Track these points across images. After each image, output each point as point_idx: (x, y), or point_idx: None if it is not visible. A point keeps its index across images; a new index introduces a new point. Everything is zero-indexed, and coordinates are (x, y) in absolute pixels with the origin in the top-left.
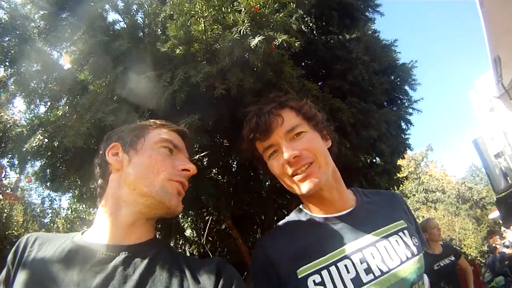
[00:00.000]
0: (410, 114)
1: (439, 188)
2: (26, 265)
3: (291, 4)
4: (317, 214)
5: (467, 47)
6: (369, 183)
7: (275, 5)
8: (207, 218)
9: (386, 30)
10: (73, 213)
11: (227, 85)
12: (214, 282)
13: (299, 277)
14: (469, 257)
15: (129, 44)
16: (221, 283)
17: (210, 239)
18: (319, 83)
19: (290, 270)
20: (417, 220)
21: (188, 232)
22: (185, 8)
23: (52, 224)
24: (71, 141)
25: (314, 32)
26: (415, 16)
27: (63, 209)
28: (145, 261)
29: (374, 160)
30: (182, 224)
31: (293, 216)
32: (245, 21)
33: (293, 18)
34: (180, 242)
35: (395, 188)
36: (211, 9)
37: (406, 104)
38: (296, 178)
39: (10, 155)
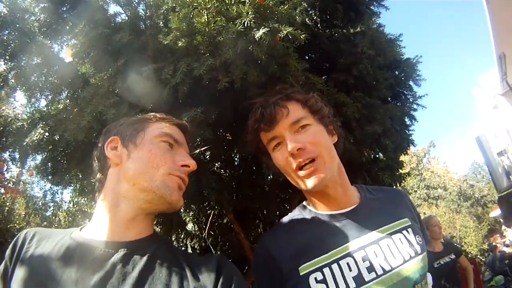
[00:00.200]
0: (415, 110)
1: (440, 185)
2: (24, 262)
3: None
4: (321, 210)
5: (471, 43)
6: (372, 178)
7: None
8: (209, 212)
9: (390, 24)
10: (75, 206)
11: (230, 78)
12: (214, 280)
13: (300, 274)
14: (469, 255)
15: (130, 37)
16: (221, 280)
17: (212, 233)
18: (323, 77)
19: (292, 267)
20: None
21: (189, 226)
22: (187, 0)
23: (54, 217)
24: (71, 134)
25: (319, 25)
26: (419, 11)
27: (65, 202)
28: (144, 258)
29: (377, 156)
30: (184, 218)
31: (296, 213)
32: (249, 13)
33: (297, 11)
34: (182, 236)
35: (397, 184)
36: (214, 1)
37: (411, 100)
38: (301, 173)
39: (11, 149)
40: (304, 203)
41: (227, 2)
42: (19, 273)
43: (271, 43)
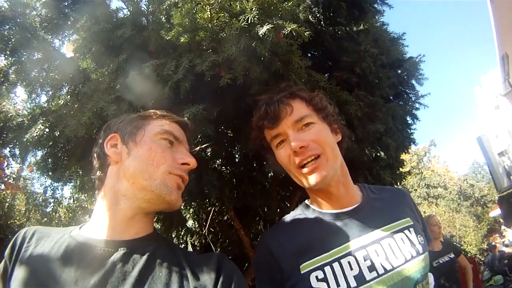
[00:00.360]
0: (417, 109)
1: (441, 184)
2: (24, 261)
3: None
4: (323, 209)
5: (474, 43)
6: (374, 177)
7: None
8: (209, 209)
9: (394, 23)
10: (75, 202)
11: (233, 74)
12: (214, 279)
13: (301, 272)
14: (469, 254)
15: (132, 32)
16: (221, 280)
17: (212, 230)
18: (326, 75)
19: (293, 265)
20: None
21: (190, 223)
22: None
23: (54, 214)
24: (72, 130)
25: (322, 23)
26: (423, 10)
27: (65, 198)
28: (144, 257)
29: (379, 154)
30: (184, 215)
31: (298, 211)
32: (253, 9)
33: (301, 8)
34: (182, 233)
35: (398, 182)
36: None
37: (413, 99)
38: (304, 170)
39: (12, 145)
40: (306, 201)
41: None
42: (19, 273)
43: (274, 40)
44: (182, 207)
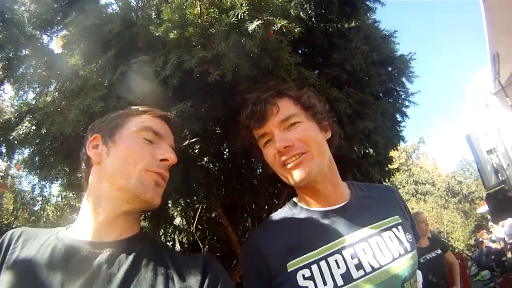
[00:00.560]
0: (407, 106)
1: (429, 180)
2: (10, 263)
3: None
4: (311, 207)
5: (464, 41)
6: (362, 174)
7: None
8: (197, 206)
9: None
10: (63, 200)
11: (221, 71)
12: (200, 280)
13: (288, 270)
14: (456, 250)
15: (121, 28)
16: (207, 281)
17: (200, 227)
18: (316, 72)
19: (280, 264)
20: None
21: (177, 221)
22: None
23: (42, 212)
24: (58, 128)
25: (313, 19)
26: (414, 7)
27: (53, 196)
28: (130, 259)
29: (367, 151)
30: (172, 212)
31: (286, 209)
32: (243, 5)
33: (292, 4)
34: (170, 231)
35: (386, 179)
36: None
37: (403, 96)
38: (287, 166)
39: None
40: (294, 199)
41: None
42: (5, 275)
43: (264, 36)
44: (170, 204)
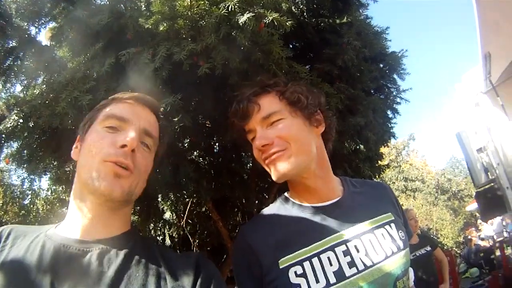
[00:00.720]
0: (398, 103)
1: (418, 177)
2: None
3: None
4: (303, 202)
5: (456, 40)
6: (353, 170)
7: None
8: (187, 200)
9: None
10: (53, 194)
11: (211, 64)
12: (192, 279)
13: (280, 267)
14: (445, 247)
15: (109, 19)
16: (199, 281)
17: (190, 222)
18: (307, 67)
19: (272, 260)
20: None
21: (167, 215)
22: None
23: (31, 206)
24: (46, 121)
25: (305, 14)
26: (407, 5)
27: (43, 190)
28: (120, 257)
29: (358, 147)
30: (162, 206)
31: (277, 204)
32: None
33: None
34: (160, 225)
35: (377, 175)
36: None
37: (394, 93)
38: (266, 162)
39: None
40: (286, 194)
41: None
42: None
43: (255, 29)
44: (159, 199)
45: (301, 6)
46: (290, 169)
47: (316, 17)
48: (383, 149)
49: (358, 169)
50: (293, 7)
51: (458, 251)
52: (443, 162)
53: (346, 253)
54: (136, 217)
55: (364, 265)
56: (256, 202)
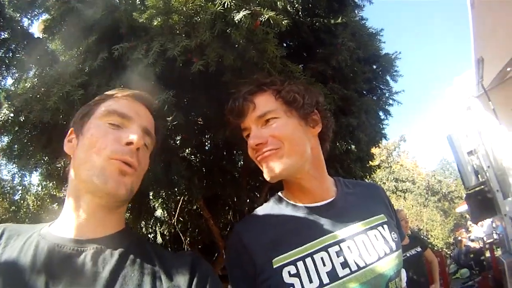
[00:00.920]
0: (390, 105)
1: (409, 178)
2: None
3: None
4: (297, 202)
5: (449, 43)
6: (344, 170)
7: None
8: (178, 198)
9: (372, 18)
10: (44, 189)
11: (205, 61)
12: (188, 279)
13: (274, 267)
14: (436, 248)
15: (103, 13)
16: (195, 281)
17: (181, 219)
18: (301, 66)
19: (266, 259)
20: None
21: (158, 213)
22: None
23: (22, 201)
24: (37, 116)
25: (300, 13)
26: (403, 7)
27: (33, 185)
28: (115, 257)
29: (350, 148)
30: (153, 204)
31: (271, 203)
32: None
33: None
34: (151, 223)
35: (368, 176)
36: None
37: (387, 95)
38: (258, 159)
39: None
40: (280, 193)
41: None
42: None
43: (250, 27)
44: (151, 196)
45: (296, 5)
46: (282, 170)
47: (311, 16)
48: (374, 150)
49: (349, 169)
50: (288, 6)
51: (448, 252)
52: (433, 163)
53: (339, 253)
54: (127, 214)
55: (357, 266)
56: (248, 200)
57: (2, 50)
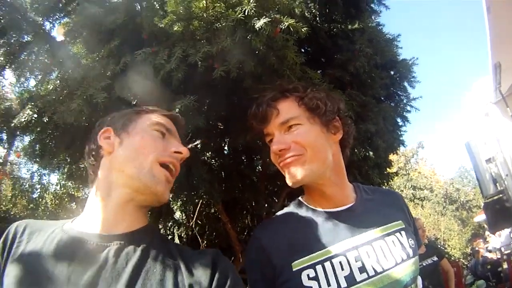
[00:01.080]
0: (408, 111)
1: (427, 186)
2: (16, 257)
3: None
4: (316, 207)
5: (467, 49)
6: (363, 177)
7: None
8: (197, 201)
9: (389, 24)
10: (62, 188)
11: (226, 67)
12: (209, 276)
13: (293, 270)
14: (452, 258)
15: (125, 18)
16: (216, 277)
17: (199, 222)
18: (319, 71)
19: (285, 262)
20: None
21: (177, 215)
22: None
23: (40, 200)
24: (61, 117)
25: (317, 19)
26: (419, 12)
27: (52, 184)
28: (138, 252)
29: (368, 154)
30: (172, 206)
31: (291, 208)
32: (250, 1)
33: (297, 3)
34: (169, 225)
35: (385, 183)
36: None
37: (404, 101)
38: (280, 165)
39: None
40: (300, 198)
41: None
42: (11, 269)
43: (271, 34)
44: (170, 198)
45: (314, 11)
46: (304, 176)
47: (328, 22)
48: (391, 157)
49: (367, 176)
50: (306, 12)
51: (465, 263)
52: (452, 171)
53: (358, 258)
54: (147, 215)
55: (375, 271)
56: (266, 205)
57: (25, 53)
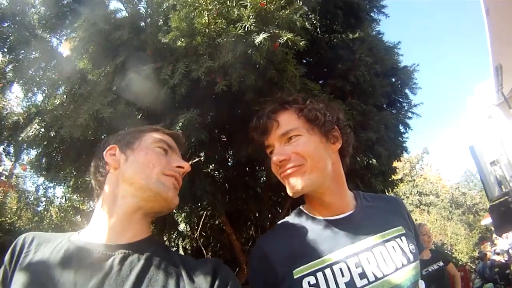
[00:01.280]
0: (410, 118)
1: (433, 191)
2: (24, 266)
3: (297, 1)
4: (317, 215)
5: (468, 52)
6: (365, 185)
7: (281, 1)
8: (201, 213)
9: (389, 31)
10: (67, 202)
11: (228, 81)
12: (209, 283)
13: (294, 277)
14: (460, 263)
15: (130, 34)
16: (216, 283)
17: (204, 234)
18: (320, 82)
19: (287, 270)
20: None
21: (181, 227)
22: (189, 0)
23: (45, 213)
24: (67, 132)
25: (318, 30)
26: (418, 19)
27: (57, 197)
28: (142, 261)
29: (370, 162)
30: (176, 218)
31: (292, 217)
32: (250, 17)
33: (298, 15)
34: (174, 236)
35: (390, 190)
36: (216, 2)
37: (406, 108)
38: (281, 176)
39: (6, 143)
40: (301, 207)
41: (228, 4)
42: (19, 278)
43: (270, 48)
44: (174, 210)
45: (314, 22)
46: (305, 186)
47: (329, 32)
48: (396, 163)
49: (370, 183)
50: (306, 23)
51: (473, 267)
52: (457, 175)
53: (358, 264)
54: (152, 227)
55: (375, 276)
56: (269, 216)
57: (33, 68)
